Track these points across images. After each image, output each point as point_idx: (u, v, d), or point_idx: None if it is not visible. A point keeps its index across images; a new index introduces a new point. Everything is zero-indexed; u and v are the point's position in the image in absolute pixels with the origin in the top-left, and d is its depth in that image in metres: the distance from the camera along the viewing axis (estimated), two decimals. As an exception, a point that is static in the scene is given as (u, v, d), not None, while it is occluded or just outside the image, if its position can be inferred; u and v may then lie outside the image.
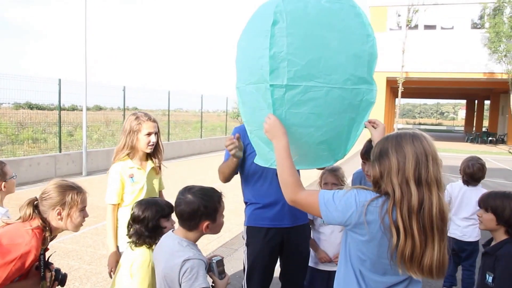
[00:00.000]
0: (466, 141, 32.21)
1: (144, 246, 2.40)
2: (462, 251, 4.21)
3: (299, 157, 2.12)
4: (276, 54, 1.92)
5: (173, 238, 2.12)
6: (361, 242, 1.68)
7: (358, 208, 1.63)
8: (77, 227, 2.23)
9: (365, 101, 2.14)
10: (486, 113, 46.65)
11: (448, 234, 3.89)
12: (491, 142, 30.25)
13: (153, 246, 2.38)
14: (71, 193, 2.19)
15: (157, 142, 3.04)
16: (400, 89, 24.82)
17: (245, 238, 3.02)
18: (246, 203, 3.09)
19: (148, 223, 2.37)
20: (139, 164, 3.02)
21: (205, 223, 2.08)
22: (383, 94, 25.15)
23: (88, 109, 12.67)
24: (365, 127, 2.21)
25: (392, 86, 27.47)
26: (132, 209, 2.46)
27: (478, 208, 2.59)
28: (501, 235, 2.46)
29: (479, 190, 4.10)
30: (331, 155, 2.22)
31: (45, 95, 11.99)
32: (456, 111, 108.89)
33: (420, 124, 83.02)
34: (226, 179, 3.05)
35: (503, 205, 2.42)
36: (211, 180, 11.72)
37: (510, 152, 22.79)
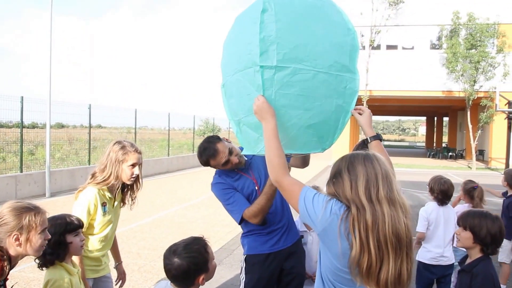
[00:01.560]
0: (428, 157, 33.10)
1: (55, 265, 2.28)
2: (446, 276, 4.03)
3: (288, 141, 2.17)
4: (266, 38, 2.02)
5: None
6: (328, 250, 1.74)
7: (330, 217, 1.67)
8: (38, 251, 2.03)
9: (349, 88, 2.25)
10: (445, 129, 48.20)
11: (435, 262, 3.90)
12: (451, 157, 31.19)
13: (63, 262, 2.30)
14: (28, 215, 1.97)
15: (138, 176, 2.94)
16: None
17: (244, 268, 2.98)
18: (246, 234, 3.01)
19: (51, 239, 2.16)
20: (112, 194, 2.91)
21: (200, 278, 2.05)
22: (348, 124, 25.62)
23: (50, 126, 12.35)
24: (352, 114, 2.32)
25: (356, 104, 27.99)
26: None
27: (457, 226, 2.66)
28: (476, 253, 2.52)
29: (451, 208, 4.14)
30: (319, 142, 2.28)
31: (5, 113, 11.63)
32: (416, 128, 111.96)
33: (383, 140, 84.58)
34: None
35: (480, 224, 2.48)
36: (180, 199, 11.64)
37: (469, 167, 23.59)
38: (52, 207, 9.82)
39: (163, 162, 19.18)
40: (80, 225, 2.41)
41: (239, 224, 2.91)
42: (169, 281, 2.09)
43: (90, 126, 14.89)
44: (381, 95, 25.15)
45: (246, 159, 3.00)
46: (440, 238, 3.98)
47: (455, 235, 2.67)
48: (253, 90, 2.10)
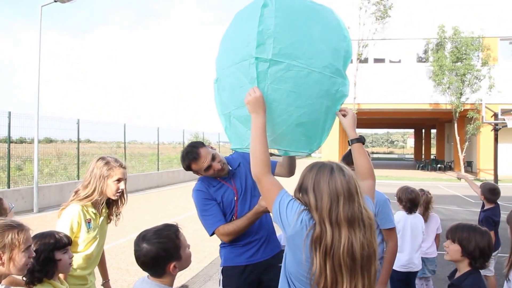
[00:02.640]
0: (417, 169, 33.31)
1: (43, 282, 2.22)
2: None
3: (276, 137, 2.19)
4: (264, 31, 2.03)
5: (151, 284, 2.00)
6: (293, 255, 1.79)
7: (300, 226, 1.72)
8: (22, 270, 1.95)
9: (340, 92, 2.28)
10: (433, 141, 48.60)
11: (405, 269, 3.99)
12: (440, 169, 31.41)
13: (51, 280, 2.24)
14: (10, 233, 1.90)
15: (123, 191, 2.89)
16: (353, 120, 25.54)
17: (221, 280, 2.96)
18: (223, 245, 2.99)
19: (40, 256, 2.16)
20: (97, 210, 2.85)
21: (171, 265, 1.98)
22: (337, 124, 25.71)
23: (38, 141, 12.25)
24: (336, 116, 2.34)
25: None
26: None
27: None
28: (465, 267, 2.52)
29: (419, 217, 4.24)
30: (307, 142, 2.30)
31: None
32: (405, 140, 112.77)
33: (372, 153, 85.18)
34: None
35: (469, 238, 2.49)
36: (170, 214, 11.55)
37: (458, 179, 23.77)
38: (40, 222, 9.71)
39: (152, 177, 19.07)
40: (69, 242, 2.37)
41: (210, 236, 2.93)
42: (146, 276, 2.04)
43: (79, 141, 14.81)
44: (369, 108, 25.35)
45: (230, 168, 2.99)
46: (408, 245, 4.08)
47: (444, 248, 2.67)
48: (246, 82, 2.11)
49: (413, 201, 4.15)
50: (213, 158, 2.85)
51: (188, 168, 2.90)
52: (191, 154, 2.84)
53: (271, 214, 1.85)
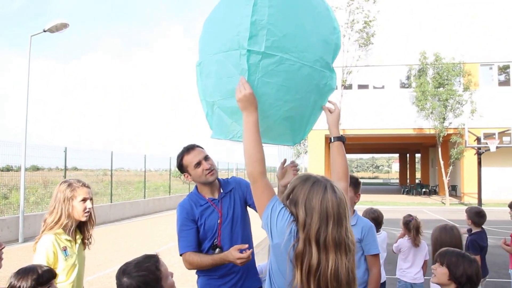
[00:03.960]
0: (402, 193, 33.50)
1: None
2: None
3: (263, 130, 2.10)
4: (257, 22, 1.96)
5: None
6: (277, 264, 1.79)
7: (288, 236, 1.70)
8: None
9: (328, 85, 2.25)
10: (418, 166, 49.10)
11: None
12: (425, 193, 31.65)
13: None
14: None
15: (90, 211, 2.82)
16: (338, 145, 25.79)
17: None
18: (198, 274, 2.95)
19: None
20: (70, 236, 2.77)
21: None
22: (323, 150, 26.03)
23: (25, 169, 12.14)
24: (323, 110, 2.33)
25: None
26: (10, 279, 2.15)
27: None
28: None
29: (383, 235, 4.36)
30: (291, 135, 2.28)
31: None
32: (390, 164, 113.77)
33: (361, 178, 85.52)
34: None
35: (457, 263, 2.52)
36: (157, 242, 11.43)
37: (443, 203, 23.98)
38: (25, 253, 9.52)
39: (139, 205, 18.91)
40: (52, 275, 2.31)
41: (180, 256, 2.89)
42: None
43: (66, 169, 14.69)
44: (354, 134, 25.62)
45: (222, 191, 2.93)
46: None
47: (432, 270, 2.70)
48: (236, 73, 2.03)
49: (376, 220, 4.28)
50: (206, 158, 2.84)
51: (180, 160, 2.88)
52: (188, 145, 2.89)
53: (259, 215, 1.83)
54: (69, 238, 2.75)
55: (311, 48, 2.12)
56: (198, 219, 2.82)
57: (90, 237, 2.93)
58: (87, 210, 2.77)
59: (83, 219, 2.79)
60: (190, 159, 2.83)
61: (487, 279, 5.04)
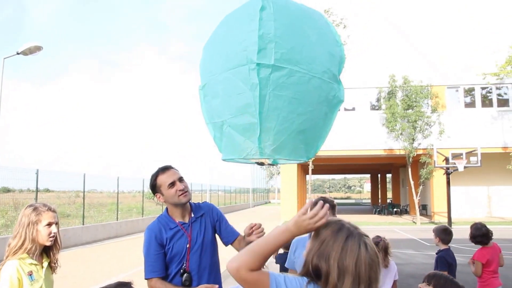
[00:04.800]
0: (374, 213, 33.82)
1: None
2: None
3: (277, 146, 2.09)
4: (265, 35, 1.95)
5: None
6: None
7: None
8: None
9: (336, 97, 2.24)
10: (389, 186, 49.89)
11: None
12: (396, 213, 32.06)
13: None
14: None
15: (56, 235, 2.76)
16: (311, 167, 26.12)
17: None
18: None
19: None
20: (36, 260, 2.69)
21: None
22: (295, 171, 26.30)
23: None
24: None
25: (303, 164, 28.78)
26: None
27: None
28: None
29: None
30: (305, 149, 2.22)
31: None
32: (362, 185, 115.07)
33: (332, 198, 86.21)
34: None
35: (445, 285, 2.61)
36: (129, 265, 11.25)
37: (414, 222, 24.39)
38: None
39: (111, 227, 18.58)
40: None
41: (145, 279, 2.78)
42: None
43: (37, 191, 14.42)
44: (326, 155, 25.96)
45: (192, 215, 2.86)
46: None
47: None
48: (246, 89, 2.00)
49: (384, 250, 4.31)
50: (180, 179, 2.81)
51: (154, 180, 2.83)
52: (163, 166, 2.86)
53: None
54: (34, 262, 2.67)
55: (318, 59, 2.11)
56: (167, 243, 2.75)
57: (57, 261, 2.86)
58: (52, 234, 2.71)
59: (48, 243, 2.72)
60: (164, 179, 2.79)
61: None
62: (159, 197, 2.85)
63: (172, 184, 2.77)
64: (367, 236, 1.56)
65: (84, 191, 17.43)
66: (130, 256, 13.05)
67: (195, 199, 31.94)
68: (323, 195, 2.88)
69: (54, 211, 2.78)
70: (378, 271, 1.52)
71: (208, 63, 2.27)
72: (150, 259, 2.73)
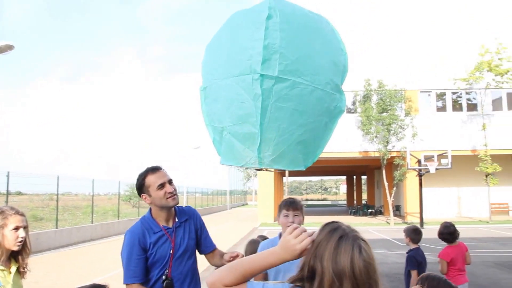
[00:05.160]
0: (349, 214, 34.26)
1: None
2: None
3: (276, 156, 2.09)
4: (270, 45, 1.91)
5: None
6: None
7: None
8: None
9: (338, 108, 2.22)
10: (364, 187, 50.54)
11: None
12: (371, 214, 32.54)
13: None
14: None
15: (25, 239, 2.64)
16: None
17: None
18: None
19: None
20: (3, 265, 2.59)
21: None
22: (272, 173, 26.42)
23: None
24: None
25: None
26: None
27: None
28: None
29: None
30: (304, 159, 2.21)
31: None
32: (338, 186, 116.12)
33: (307, 200, 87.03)
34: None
35: (438, 286, 2.64)
36: (104, 268, 11.17)
37: (388, 223, 24.83)
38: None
39: (86, 230, 18.36)
40: None
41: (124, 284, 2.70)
42: None
43: (8, 194, 14.14)
44: (303, 156, 26.15)
45: (176, 220, 2.80)
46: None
47: None
48: (248, 98, 1.98)
49: None
50: (170, 181, 2.73)
51: (142, 180, 2.73)
52: (153, 166, 2.76)
53: None
54: (1, 267, 2.58)
55: (322, 70, 2.09)
56: (150, 247, 2.65)
57: (26, 266, 2.73)
58: (20, 239, 2.59)
59: (15, 248, 2.60)
60: (153, 180, 2.69)
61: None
62: (145, 198, 2.75)
63: (162, 186, 2.68)
64: (364, 240, 1.45)
65: (57, 194, 17.18)
66: (105, 260, 12.94)
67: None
68: (292, 196, 2.98)
69: (22, 215, 2.66)
70: (376, 275, 1.43)
71: (211, 65, 2.23)
72: (131, 264, 2.62)
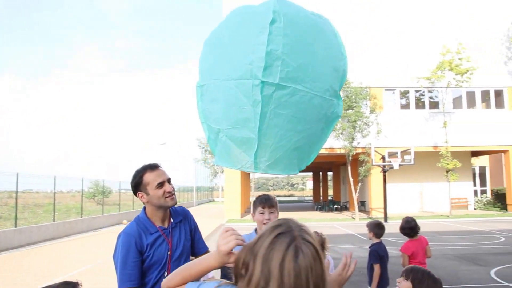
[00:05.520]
0: (316, 210, 34.61)
1: None
2: None
3: (273, 162, 2.07)
4: (273, 52, 1.89)
5: None
6: None
7: None
8: None
9: (334, 113, 2.21)
10: (330, 183, 51.23)
11: None
12: (336, 209, 33.01)
13: None
14: None
15: None
16: (255, 165, 26.33)
17: None
18: None
19: None
20: None
21: None
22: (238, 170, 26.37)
23: None
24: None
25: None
26: None
27: None
28: None
29: None
30: (298, 163, 2.21)
31: None
32: (304, 182, 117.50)
33: (274, 196, 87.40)
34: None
35: (422, 279, 2.70)
36: (66, 268, 10.91)
37: (353, 218, 25.24)
38: None
39: (48, 228, 17.86)
40: None
41: None
42: None
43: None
44: (270, 153, 26.26)
45: (172, 220, 2.70)
46: None
47: (396, 283, 2.84)
48: (247, 103, 1.96)
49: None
50: (169, 181, 2.64)
51: (140, 177, 2.60)
52: (151, 164, 2.66)
53: None
54: None
55: (322, 77, 2.06)
56: (147, 249, 2.53)
57: None
58: None
59: None
60: (153, 177, 2.59)
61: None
62: (141, 196, 2.62)
63: (161, 185, 2.59)
64: (309, 242, 1.25)
65: (17, 191, 16.64)
66: (68, 259, 12.65)
67: (135, 198, 30.87)
68: (267, 193, 2.99)
69: None
70: (310, 282, 1.20)
71: (210, 64, 2.19)
72: (127, 267, 2.46)
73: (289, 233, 1.26)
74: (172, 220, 2.71)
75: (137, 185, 2.62)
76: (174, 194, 2.65)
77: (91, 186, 27.47)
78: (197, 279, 1.55)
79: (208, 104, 2.20)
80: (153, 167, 2.64)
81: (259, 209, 2.90)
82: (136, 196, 2.67)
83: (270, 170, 2.09)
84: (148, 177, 2.59)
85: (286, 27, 1.94)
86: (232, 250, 1.48)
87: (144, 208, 2.68)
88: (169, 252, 2.60)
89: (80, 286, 1.89)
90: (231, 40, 2.08)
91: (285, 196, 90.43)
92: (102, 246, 15.23)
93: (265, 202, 2.91)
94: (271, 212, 2.88)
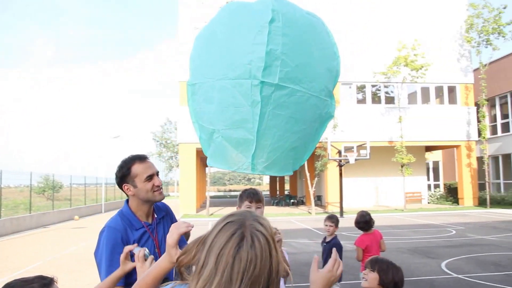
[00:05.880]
0: (272, 205, 34.73)
1: None
2: None
3: (270, 163, 2.06)
4: (272, 52, 1.87)
5: None
6: None
7: None
8: None
9: (328, 113, 2.21)
10: (287, 178, 51.57)
11: None
12: (293, 204, 33.29)
13: None
14: None
15: None
16: (210, 159, 26.09)
17: None
18: None
19: None
20: None
21: None
22: (194, 164, 26.11)
23: None
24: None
25: (201, 156, 28.67)
26: None
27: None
28: None
29: None
30: (293, 164, 2.19)
31: None
32: (261, 177, 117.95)
33: (230, 190, 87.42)
34: None
35: (387, 269, 2.77)
36: (13, 266, 10.38)
37: (309, 212, 25.44)
38: None
39: (-7, 225, 17.01)
40: None
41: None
42: None
43: None
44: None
45: (156, 216, 2.56)
46: None
47: (362, 275, 2.87)
48: (245, 104, 1.92)
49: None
50: (158, 174, 2.52)
51: (128, 168, 2.44)
52: (140, 155, 2.52)
53: None
54: None
55: (318, 77, 2.07)
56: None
57: None
58: None
59: None
60: (142, 170, 2.44)
61: (342, 282, 5.45)
62: (127, 188, 2.45)
63: (150, 178, 2.44)
64: (259, 232, 1.19)
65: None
66: (14, 256, 12.05)
67: (90, 192, 30.53)
68: (249, 187, 2.89)
69: None
70: (250, 273, 1.13)
71: (203, 61, 2.11)
72: (113, 265, 2.21)
73: (239, 222, 1.21)
74: (156, 216, 2.57)
75: (124, 176, 2.46)
76: (162, 188, 2.52)
77: (40, 180, 26.38)
78: (153, 283, 1.56)
79: (200, 104, 2.13)
80: (142, 158, 2.50)
81: (246, 203, 2.79)
82: (121, 188, 2.51)
83: (267, 171, 2.07)
84: (137, 168, 2.44)
85: (285, 26, 1.93)
86: (177, 241, 1.50)
87: (127, 201, 2.52)
88: (156, 250, 2.45)
89: (56, 283, 1.80)
90: (226, 38, 2.03)
91: (241, 190, 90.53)
92: (52, 243, 14.68)
93: (253, 196, 2.81)
94: (258, 207, 2.79)
